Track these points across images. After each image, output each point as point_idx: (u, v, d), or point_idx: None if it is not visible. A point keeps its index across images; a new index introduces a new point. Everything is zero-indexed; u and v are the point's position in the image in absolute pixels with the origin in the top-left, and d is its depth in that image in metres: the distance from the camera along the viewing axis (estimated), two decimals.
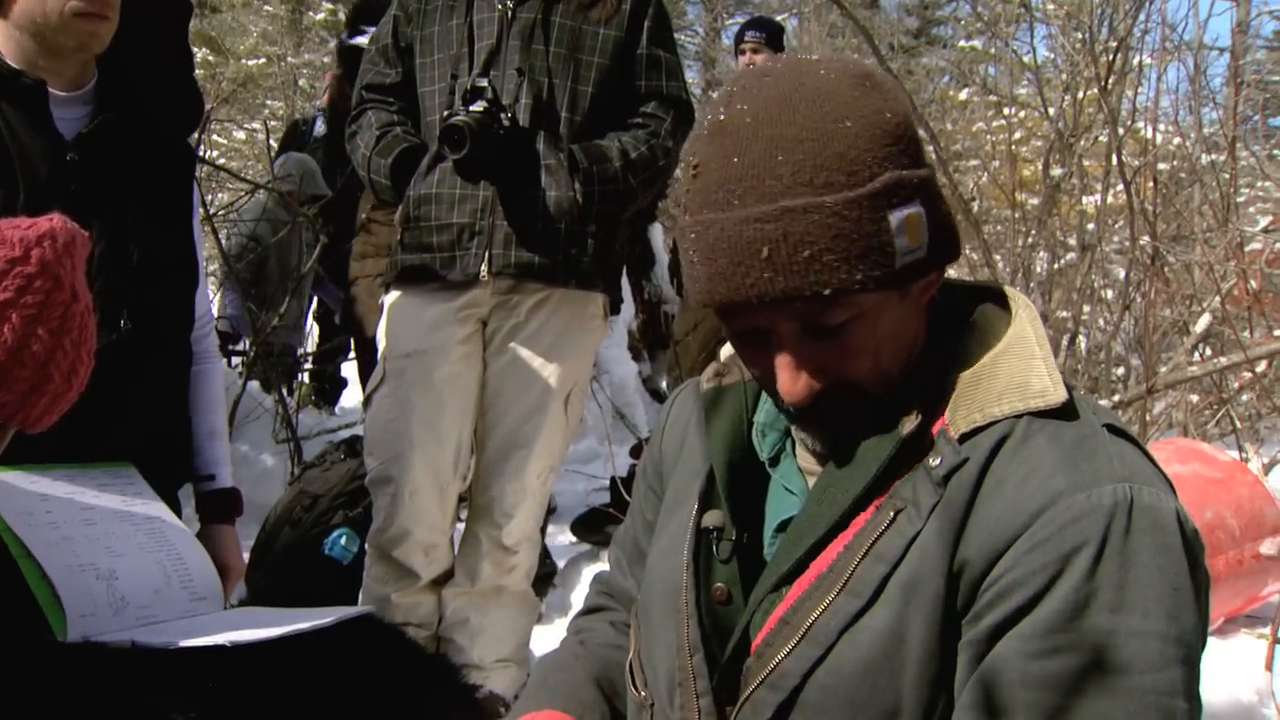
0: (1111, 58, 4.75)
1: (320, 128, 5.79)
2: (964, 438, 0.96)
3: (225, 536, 1.85)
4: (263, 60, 12.71)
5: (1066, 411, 0.96)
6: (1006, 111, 6.60)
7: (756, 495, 1.10)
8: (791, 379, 0.97)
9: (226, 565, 1.78)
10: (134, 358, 1.67)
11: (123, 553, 1.50)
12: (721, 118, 0.96)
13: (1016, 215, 5.16)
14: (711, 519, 1.09)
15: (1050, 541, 0.88)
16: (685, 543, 1.10)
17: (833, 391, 0.98)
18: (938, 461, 0.95)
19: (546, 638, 2.72)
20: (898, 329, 0.99)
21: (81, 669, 1.26)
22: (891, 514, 0.96)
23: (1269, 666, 2.70)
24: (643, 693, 1.13)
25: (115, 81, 1.72)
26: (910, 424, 0.98)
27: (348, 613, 1.46)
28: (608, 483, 4.14)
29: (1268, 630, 2.81)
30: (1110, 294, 5.45)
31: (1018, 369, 0.98)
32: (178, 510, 1.74)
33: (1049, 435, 0.94)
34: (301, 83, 13.19)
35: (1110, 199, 5.00)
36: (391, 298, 2.45)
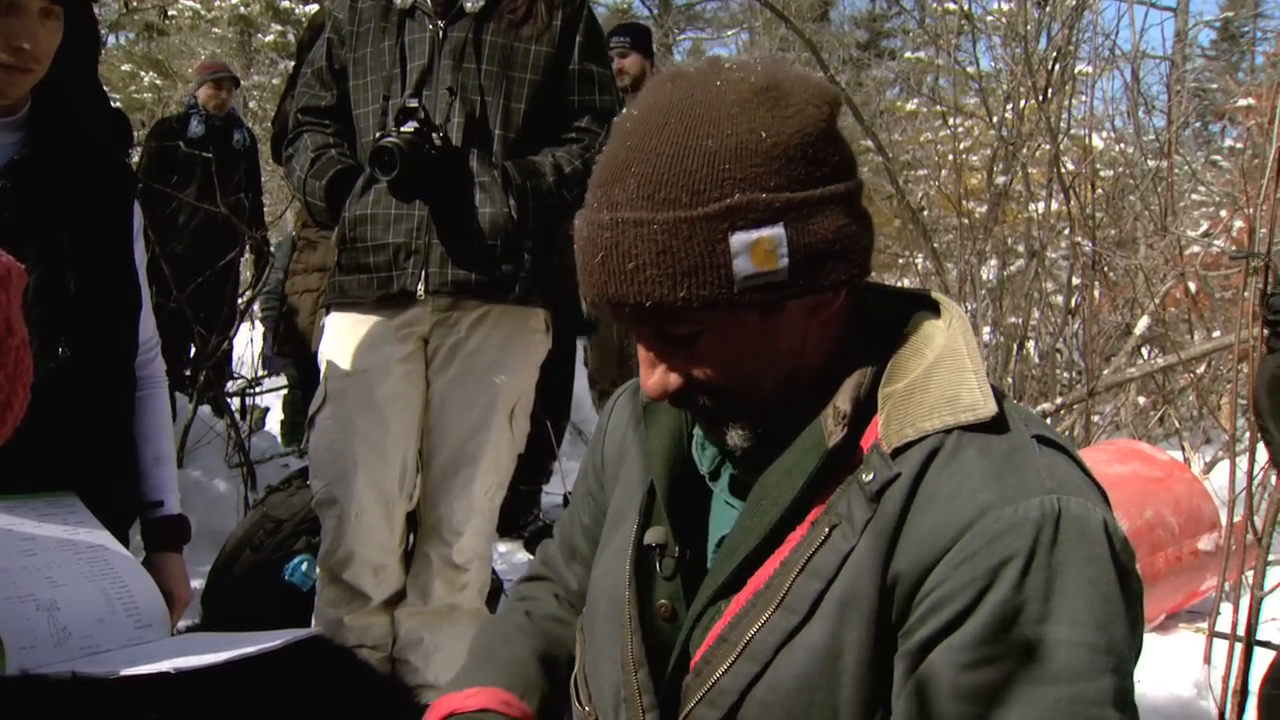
0: (1050, 68, 4.85)
1: (196, 126, 5.70)
2: (896, 452, 0.96)
3: (172, 564, 1.82)
4: None
5: (997, 424, 0.96)
6: (952, 121, 6.70)
7: (699, 509, 1.10)
8: (647, 373, 1.03)
9: (173, 594, 1.73)
10: (73, 386, 1.64)
11: (64, 582, 1.47)
12: (619, 119, 1.00)
13: (964, 223, 5.24)
14: (653, 535, 1.09)
15: (979, 555, 0.89)
16: (628, 558, 1.10)
17: (694, 392, 1.01)
18: (870, 476, 0.95)
19: None
20: (762, 346, 0.98)
21: (19, 703, 1.24)
22: (826, 530, 0.96)
23: (1207, 660, 2.76)
24: (587, 707, 1.13)
25: (50, 107, 1.69)
26: (836, 436, 0.97)
27: (296, 635, 1.41)
28: (562, 499, 4.15)
29: (1206, 625, 2.87)
30: (1061, 299, 5.54)
31: (949, 382, 0.98)
32: (125, 538, 1.72)
33: (979, 449, 0.95)
34: (251, 105, 13.09)
35: (1055, 205, 5.09)
36: (331, 319, 2.44)
